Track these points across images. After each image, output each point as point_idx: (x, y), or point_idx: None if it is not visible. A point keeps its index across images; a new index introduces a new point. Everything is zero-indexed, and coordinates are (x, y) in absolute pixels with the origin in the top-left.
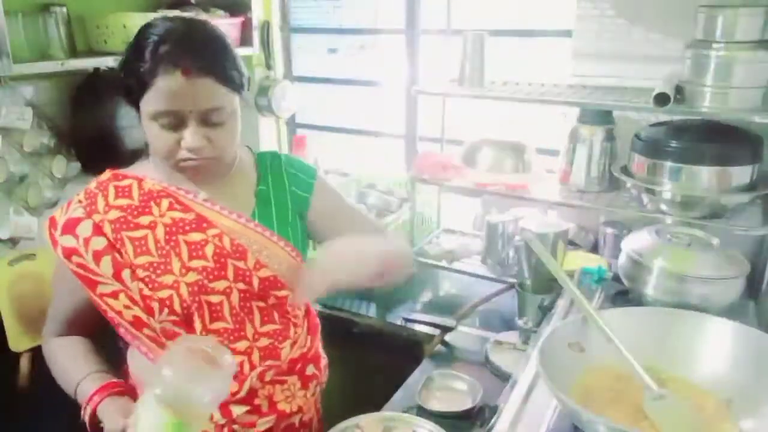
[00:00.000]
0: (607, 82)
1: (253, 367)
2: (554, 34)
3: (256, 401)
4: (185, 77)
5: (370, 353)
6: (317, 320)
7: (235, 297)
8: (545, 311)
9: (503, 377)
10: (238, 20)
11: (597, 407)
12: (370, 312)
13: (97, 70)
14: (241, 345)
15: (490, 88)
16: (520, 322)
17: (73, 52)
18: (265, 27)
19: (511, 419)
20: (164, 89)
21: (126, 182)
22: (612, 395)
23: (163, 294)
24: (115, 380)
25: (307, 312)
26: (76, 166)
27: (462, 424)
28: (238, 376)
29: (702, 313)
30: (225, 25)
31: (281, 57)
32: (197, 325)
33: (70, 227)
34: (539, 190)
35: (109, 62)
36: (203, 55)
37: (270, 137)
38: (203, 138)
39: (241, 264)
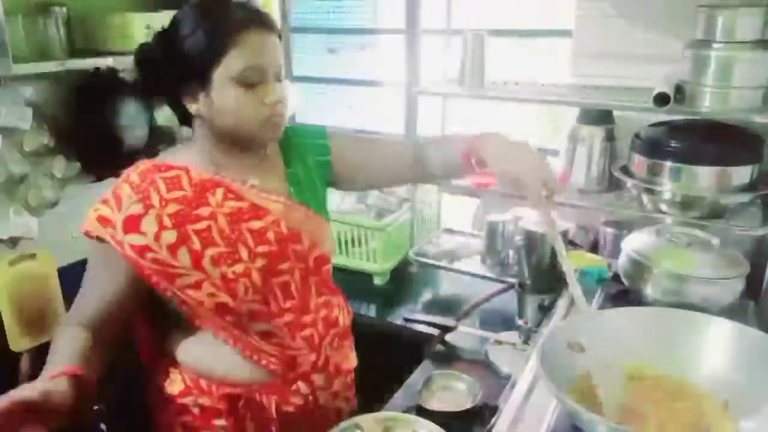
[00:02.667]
0: (607, 82)
1: (321, 338)
2: (554, 34)
3: (330, 367)
4: (266, 33)
5: (370, 353)
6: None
7: (297, 276)
8: (545, 311)
9: (503, 377)
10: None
11: (597, 407)
12: (370, 312)
13: (97, 70)
14: (308, 318)
15: (490, 88)
16: (520, 322)
17: (73, 52)
18: None
19: (511, 419)
20: (250, 44)
21: (172, 173)
22: (612, 394)
23: (241, 280)
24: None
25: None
26: (76, 166)
27: (462, 424)
28: (314, 348)
29: (702, 313)
30: None
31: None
32: (273, 305)
33: (133, 224)
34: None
35: (109, 62)
36: (266, 14)
37: None
38: (282, 92)
39: (298, 246)
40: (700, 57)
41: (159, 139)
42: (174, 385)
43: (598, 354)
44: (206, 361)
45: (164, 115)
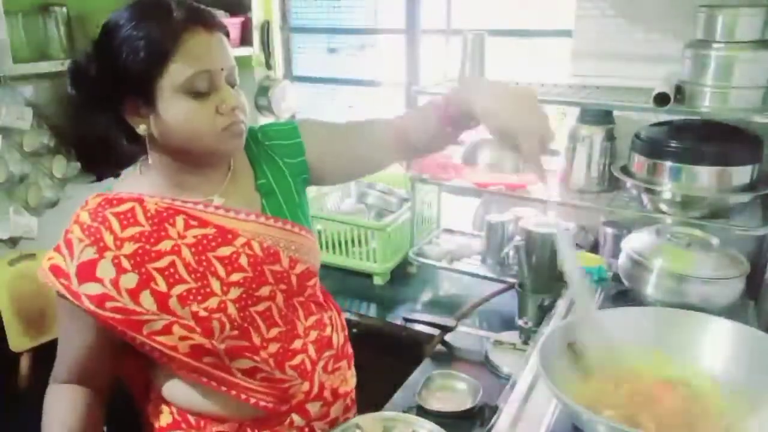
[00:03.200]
0: (607, 82)
1: (314, 363)
2: (554, 34)
3: (325, 393)
4: (209, 33)
5: (370, 353)
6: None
7: (279, 300)
8: (545, 311)
9: (503, 377)
10: (238, 20)
11: (597, 407)
12: (370, 312)
13: None
14: (297, 344)
15: None
16: (520, 322)
17: (73, 52)
18: (265, 27)
19: (511, 419)
20: (194, 49)
21: (125, 207)
22: (612, 394)
23: (215, 316)
24: None
25: (323, 292)
26: (76, 166)
27: (462, 424)
28: (306, 376)
29: (702, 313)
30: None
31: (281, 57)
32: (255, 338)
33: (87, 272)
34: (539, 190)
35: None
36: (208, 11)
37: None
38: (238, 97)
39: (277, 267)
40: (700, 57)
41: None
42: (162, 417)
43: (598, 354)
44: (194, 400)
45: None
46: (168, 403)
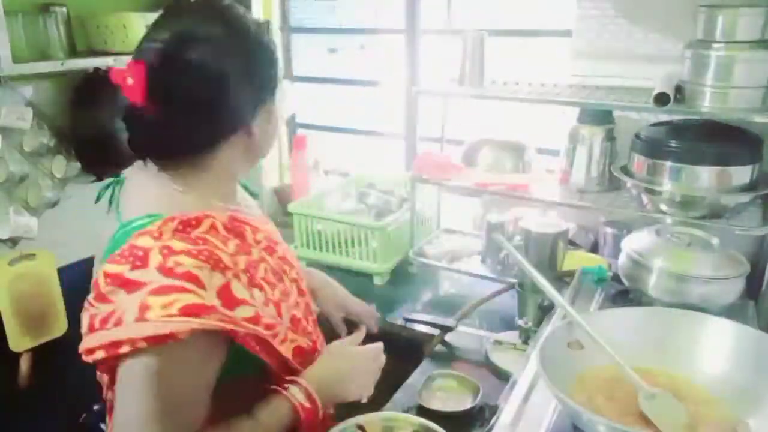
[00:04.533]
0: (607, 82)
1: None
2: (554, 34)
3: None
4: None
5: None
6: None
7: (302, 306)
8: (545, 311)
9: (503, 377)
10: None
11: (597, 407)
12: None
13: (97, 70)
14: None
15: (490, 88)
16: (520, 322)
17: (73, 52)
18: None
19: (511, 419)
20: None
21: (206, 224)
22: (612, 395)
23: (300, 315)
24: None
25: None
26: (76, 166)
27: (462, 424)
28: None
29: (702, 313)
30: None
31: (281, 57)
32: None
33: (229, 298)
34: (539, 190)
35: (110, 62)
36: None
37: None
38: None
39: (293, 274)
40: (700, 57)
41: None
42: None
43: (597, 354)
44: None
45: None
46: None
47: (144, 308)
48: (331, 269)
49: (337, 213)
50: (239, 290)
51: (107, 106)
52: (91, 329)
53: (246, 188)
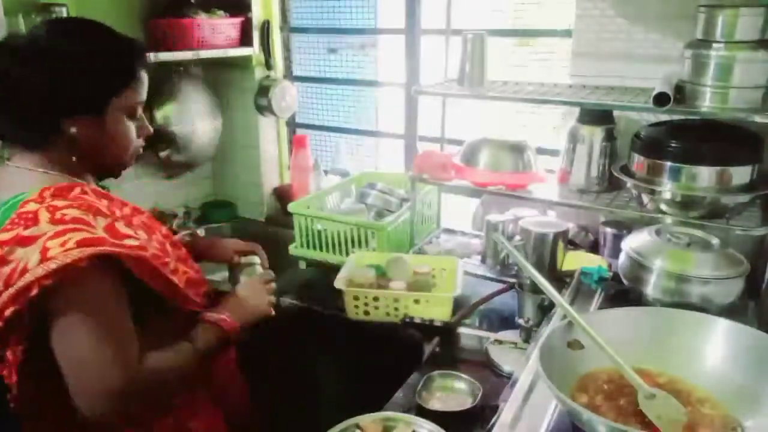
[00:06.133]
0: (607, 82)
1: None
2: (554, 34)
3: None
4: (146, 74)
5: (370, 353)
6: None
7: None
8: (545, 311)
9: (503, 377)
10: (238, 20)
11: (597, 407)
12: None
13: None
14: None
15: (490, 88)
16: (520, 321)
17: None
18: (265, 27)
19: (511, 419)
20: (143, 81)
21: (77, 190)
22: (612, 395)
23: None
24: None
25: None
26: None
27: (462, 424)
28: None
29: (702, 313)
30: (225, 24)
31: (281, 57)
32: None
33: (116, 233)
34: (539, 190)
35: None
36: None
37: (270, 137)
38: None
39: (163, 231)
40: (700, 57)
41: (158, 140)
42: None
43: (597, 354)
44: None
45: (162, 115)
46: None
47: (44, 251)
48: (331, 269)
49: (337, 213)
50: (122, 228)
51: None
52: None
53: None
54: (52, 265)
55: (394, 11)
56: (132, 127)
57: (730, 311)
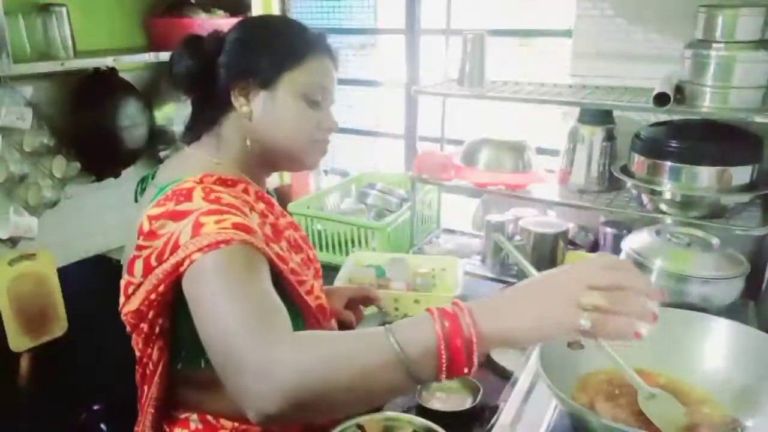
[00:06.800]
0: (607, 82)
1: None
2: (554, 34)
3: None
4: (334, 66)
5: None
6: None
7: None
8: None
9: (503, 376)
10: (238, 20)
11: (597, 407)
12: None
13: (97, 70)
14: None
15: (490, 88)
16: None
17: (74, 52)
18: None
19: (511, 419)
20: (326, 66)
21: (241, 186)
22: (612, 395)
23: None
24: None
25: None
26: (76, 166)
27: (462, 424)
28: None
29: (702, 313)
30: (225, 24)
31: None
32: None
33: (266, 236)
34: (539, 190)
35: (109, 62)
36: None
37: None
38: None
39: (310, 255)
40: (700, 57)
41: (158, 140)
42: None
43: (598, 354)
44: None
45: (163, 115)
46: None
47: (198, 226)
48: (331, 269)
49: (337, 213)
50: (269, 233)
51: (107, 106)
52: (147, 270)
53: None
54: (205, 242)
55: (394, 11)
56: (308, 114)
57: (730, 311)
